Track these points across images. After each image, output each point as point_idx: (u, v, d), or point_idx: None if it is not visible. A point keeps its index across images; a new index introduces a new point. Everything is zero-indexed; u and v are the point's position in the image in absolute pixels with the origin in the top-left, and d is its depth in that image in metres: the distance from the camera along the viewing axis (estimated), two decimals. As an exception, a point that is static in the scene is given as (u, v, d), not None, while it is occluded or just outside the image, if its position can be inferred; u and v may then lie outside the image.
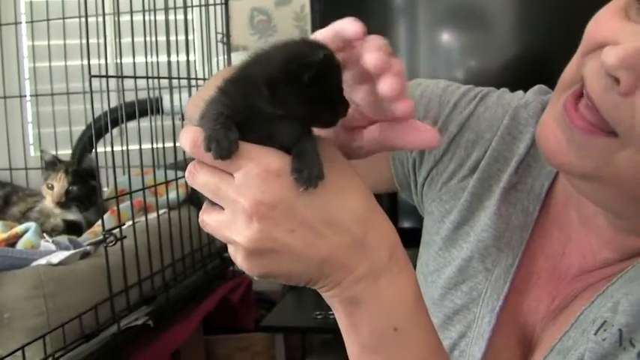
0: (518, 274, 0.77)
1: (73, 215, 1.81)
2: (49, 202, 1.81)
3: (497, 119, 0.82)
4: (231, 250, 0.56)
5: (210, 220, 0.55)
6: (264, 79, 0.51)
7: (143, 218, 1.64)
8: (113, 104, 1.83)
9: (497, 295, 0.76)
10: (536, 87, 0.85)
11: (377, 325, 0.56)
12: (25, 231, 1.58)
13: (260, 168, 0.52)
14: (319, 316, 1.97)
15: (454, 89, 0.86)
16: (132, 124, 1.72)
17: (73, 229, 1.78)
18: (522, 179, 0.80)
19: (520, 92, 0.85)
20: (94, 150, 1.71)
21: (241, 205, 0.52)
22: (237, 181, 0.52)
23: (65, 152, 2.15)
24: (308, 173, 0.52)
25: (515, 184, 0.79)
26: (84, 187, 1.82)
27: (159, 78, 1.70)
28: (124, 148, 1.57)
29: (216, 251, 2.01)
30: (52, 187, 1.81)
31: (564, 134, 0.64)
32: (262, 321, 2.07)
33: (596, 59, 0.60)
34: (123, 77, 1.58)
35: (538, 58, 2.03)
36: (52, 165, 1.85)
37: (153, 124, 1.78)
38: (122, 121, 1.70)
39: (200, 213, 0.57)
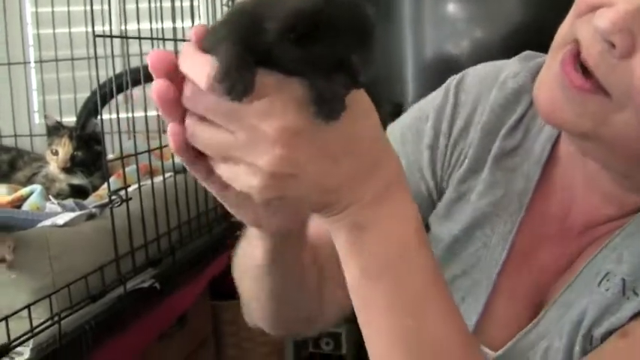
0: (522, 238, 0.77)
1: (78, 180, 1.80)
2: (53, 167, 1.79)
3: (483, 94, 0.82)
4: (234, 169, 0.54)
5: (205, 135, 0.54)
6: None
7: (149, 181, 1.64)
8: (118, 70, 1.82)
9: (495, 261, 0.77)
10: (523, 53, 0.85)
11: (378, 250, 0.57)
12: (30, 193, 1.58)
13: (283, 95, 0.50)
14: (326, 281, 1.96)
15: (427, 101, 0.87)
16: (137, 91, 1.70)
17: (79, 193, 1.77)
18: (521, 143, 0.80)
19: (500, 62, 0.85)
20: (99, 116, 1.70)
21: (263, 131, 0.50)
22: (258, 107, 0.50)
23: (70, 119, 2.14)
24: (329, 107, 0.51)
25: (511, 149, 0.80)
26: (88, 152, 1.80)
27: (164, 40, 1.68)
28: (130, 114, 1.56)
29: (222, 215, 2.00)
30: (56, 153, 1.79)
31: (562, 93, 0.63)
32: (268, 287, 2.06)
33: (591, 22, 0.59)
34: (127, 37, 1.57)
35: (543, 27, 2.00)
36: (55, 130, 1.83)
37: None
38: (127, 87, 1.69)
39: (187, 124, 0.54)
